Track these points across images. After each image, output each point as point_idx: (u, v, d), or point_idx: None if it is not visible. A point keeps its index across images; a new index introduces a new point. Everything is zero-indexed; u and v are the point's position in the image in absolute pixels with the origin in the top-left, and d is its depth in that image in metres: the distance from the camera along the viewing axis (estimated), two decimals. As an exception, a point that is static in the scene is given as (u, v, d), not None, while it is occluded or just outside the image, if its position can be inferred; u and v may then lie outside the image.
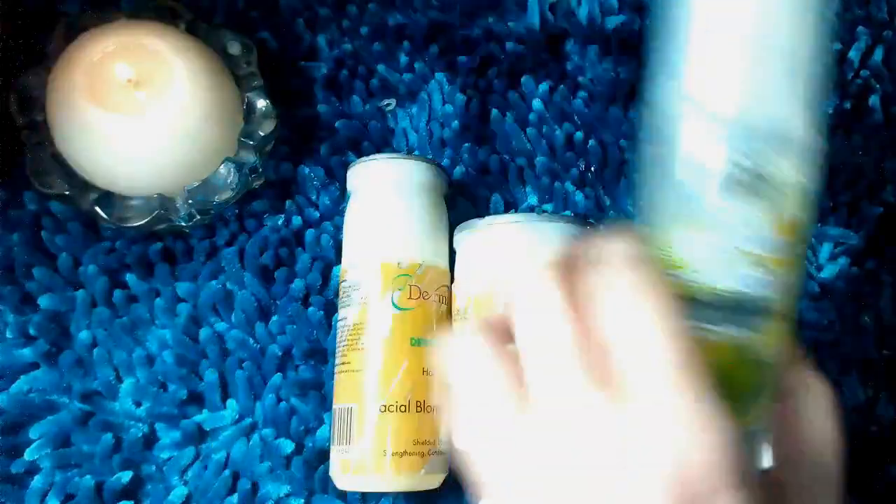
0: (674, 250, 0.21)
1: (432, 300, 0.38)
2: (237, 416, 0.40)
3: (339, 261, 0.41)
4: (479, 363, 0.21)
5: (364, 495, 0.40)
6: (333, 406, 0.38)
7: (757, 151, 0.20)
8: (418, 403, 0.36)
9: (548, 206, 0.46)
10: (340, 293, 0.39)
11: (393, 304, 0.37)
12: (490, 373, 0.21)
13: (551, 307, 0.20)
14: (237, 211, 0.43)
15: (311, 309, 0.42)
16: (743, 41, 0.20)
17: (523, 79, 0.48)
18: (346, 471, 0.36)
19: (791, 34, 0.20)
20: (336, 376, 0.38)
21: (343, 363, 0.37)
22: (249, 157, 0.41)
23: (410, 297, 0.37)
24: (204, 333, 0.41)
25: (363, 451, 0.35)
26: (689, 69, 0.20)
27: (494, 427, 0.20)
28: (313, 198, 0.45)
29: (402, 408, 0.36)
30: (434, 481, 0.37)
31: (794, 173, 0.21)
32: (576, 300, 0.20)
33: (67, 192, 0.39)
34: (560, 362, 0.19)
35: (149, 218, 0.39)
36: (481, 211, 0.46)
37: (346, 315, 0.38)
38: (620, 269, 0.19)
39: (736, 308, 0.21)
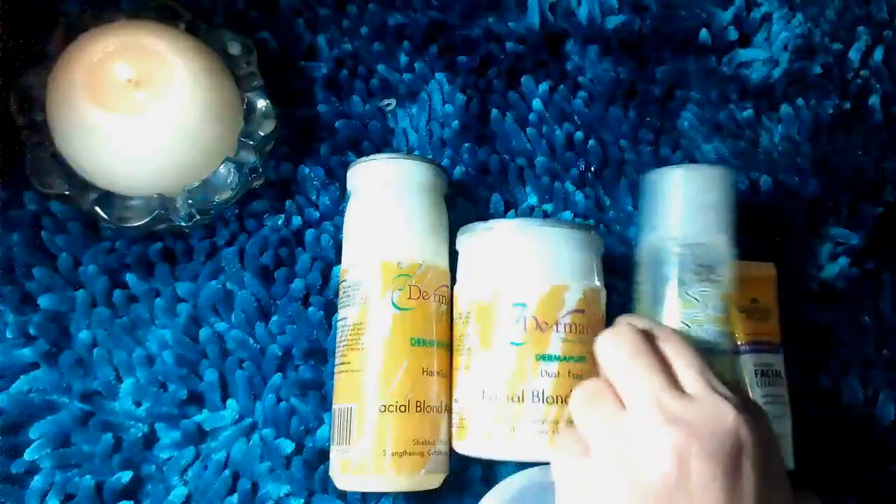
0: (667, 321, 0.37)
1: (432, 300, 0.38)
2: (237, 416, 0.40)
3: (339, 261, 0.41)
4: (595, 387, 0.33)
5: (364, 495, 0.40)
6: (333, 406, 0.38)
7: (707, 260, 0.37)
8: (418, 403, 0.36)
9: (548, 207, 0.46)
10: (340, 293, 0.39)
11: (393, 303, 0.37)
12: (602, 391, 0.32)
13: (638, 349, 0.32)
14: (237, 211, 0.43)
15: (311, 309, 0.42)
16: (692, 204, 0.38)
17: (523, 79, 0.48)
18: (346, 471, 0.36)
19: (718, 197, 0.38)
20: (336, 376, 0.38)
21: (343, 363, 0.37)
22: (249, 157, 0.41)
23: (410, 297, 0.37)
24: (204, 333, 0.41)
25: (363, 451, 0.35)
26: (669, 222, 0.38)
27: (608, 420, 0.31)
28: (313, 198, 0.45)
29: (402, 408, 0.36)
30: (434, 481, 0.37)
31: (726, 269, 0.38)
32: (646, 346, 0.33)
33: (67, 192, 0.39)
34: (645, 374, 0.31)
35: (149, 218, 0.39)
36: (481, 211, 0.46)
37: (346, 315, 0.38)
38: (668, 333, 0.34)
39: (706, 350, 0.36)
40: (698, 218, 0.37)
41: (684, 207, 0.38)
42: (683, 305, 0.37)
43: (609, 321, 0.39)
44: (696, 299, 0.37)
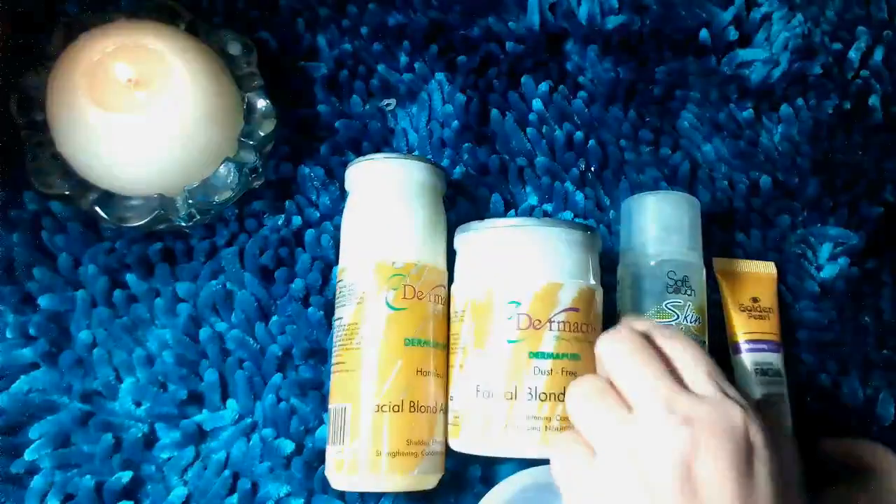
0: None
1: (428, 300, 0.38)
2: (237, 416, 0.40)
3: (338, 261, 0.41)
4: (596, 386, 0.33)
5: (363, 495, 0.40)
6: (329, 406, 0.38)
7: (680, 274, 0.40)
8: (412, 403, 0.36)
9: (548, 206, 0.46)
10: (337, 293, 0.39)
11: (387, 303, 0.37)
12: (604, 391, 0.32)
13: (639, 349, 0.32)
14: (237, 211, 0.43)
15: (311, 309, 0.42)
16: (667, 226, 0.41)
17: (523, 79, 0.48)
18: (340, 470, 0.36)
19: (684, 218, 0.42)
20: (332, 376, 0.38)
21: (338, 363, 0.37)
22: (249, 157, 0.41)
23: (405, 297, 0.37)
24: (204, 333, 0.41)
25: (357, 451, 0.35)
26: (645, 242, 0.41)
27: (615, 421, 0.31)
28: (313, 198, 0.45)
29: (396, 408, 0.36)
30: (429, 481, 0.37)
31: (698, 282, 0.41)
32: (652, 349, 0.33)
33: (67, 192, 0.39)
34: (650, 374, 0.31)
35: (149, 218, 0.39)
36: (481, 211, 0.46)
37: (342, 315, 0.38)
38: (673, 333, 0.34)
39: None
40: (670, 237, 0.41)
41: (658, 228, 0.41)
42: (660, 316, 0.39)
43: (607, 320, 0.39)
44: (671, 310, 0.40)
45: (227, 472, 0.39)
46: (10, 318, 0.40)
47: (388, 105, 0.48)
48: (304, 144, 0.46)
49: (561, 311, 0.36)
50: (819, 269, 0.47)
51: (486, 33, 0.49)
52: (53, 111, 0.39)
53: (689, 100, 0.50)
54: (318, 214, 0.44)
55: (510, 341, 0.35)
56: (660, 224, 0.41)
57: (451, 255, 0.40)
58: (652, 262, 0.41)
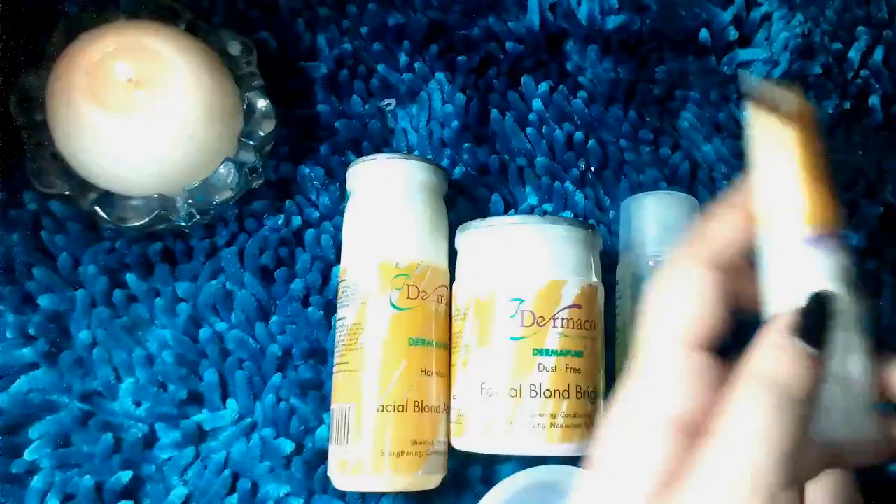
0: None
1: (431, 300, 0.38)
2: (237, 416, 0.40)
3: (339, 261, 0.41)
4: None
5: (363, 495, 0.40)
6: (332, 406, 0.38)
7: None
8: (416, 403, 0.36)
9: (548, 206, 0.46)
10: (339, 293, 0.39)
11: (391, 304, 0.37)
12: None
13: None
14: (237, 211, 0.43)
15: (311, 309, 0.42)
16: (667, 227, 0.41)
17: (523, 79, 0.48)
18: (343, 470, 0.36)
19: (684, 219, 0.41)
20: (334, 376, 0.38)
21: (341, 363, 0.37)
22: (249, 157, 0.41)
23: (409, 297, 0.37)
24: (204, 333, 0.41)
25: (361, 451, 0.35)
26: (644, 242, 0.41)
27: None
28: (313, 198, 0.45)
29: (400, 408, 0.36)
30: (432, 481, 0.37)
31: None
32: None
33: (67, 192, 0.39)
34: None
35: (149, 218, 0.39)
36: (481, 211, 0.46)
37: (345, 315, 0.38)
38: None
39: None
40: (670, 237, 0.40)
41: (657, 229, 0.41)
42: None
43: (606, 317, 0.39)
44: None
45: (227, 472, 0.39)
46: (10, 318, 0.40)
47: (388, 105, 0.48)
48: (304, 144, 0.46)
49: (564, 308, 0.36)
50: (819, 269, 0.47)
51: (486, 33, 0.49)
52: (53, 111, 0.39)
53: (689, 100, 0.50)
54: (318, 214, 0.44)
55: (513, 339, 0.36)
56: (659, 224, 0.41)
57: (451, 256, 0.40)
58: (651, 263, 0.40)
